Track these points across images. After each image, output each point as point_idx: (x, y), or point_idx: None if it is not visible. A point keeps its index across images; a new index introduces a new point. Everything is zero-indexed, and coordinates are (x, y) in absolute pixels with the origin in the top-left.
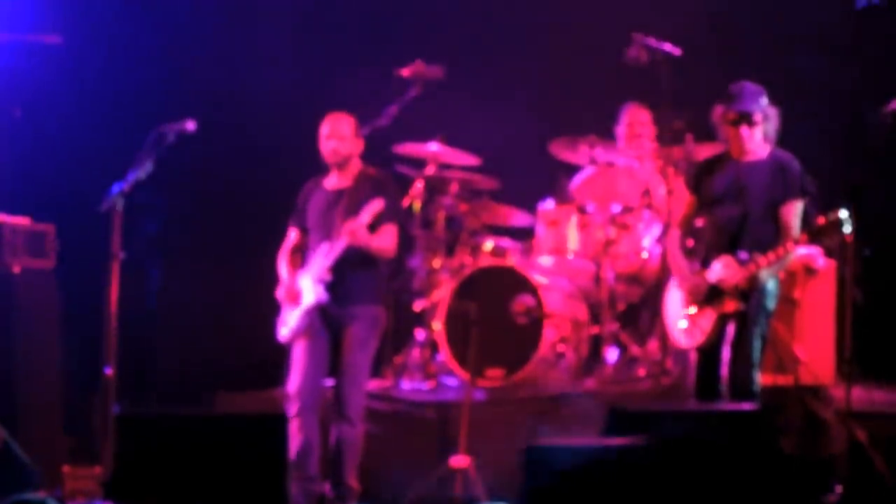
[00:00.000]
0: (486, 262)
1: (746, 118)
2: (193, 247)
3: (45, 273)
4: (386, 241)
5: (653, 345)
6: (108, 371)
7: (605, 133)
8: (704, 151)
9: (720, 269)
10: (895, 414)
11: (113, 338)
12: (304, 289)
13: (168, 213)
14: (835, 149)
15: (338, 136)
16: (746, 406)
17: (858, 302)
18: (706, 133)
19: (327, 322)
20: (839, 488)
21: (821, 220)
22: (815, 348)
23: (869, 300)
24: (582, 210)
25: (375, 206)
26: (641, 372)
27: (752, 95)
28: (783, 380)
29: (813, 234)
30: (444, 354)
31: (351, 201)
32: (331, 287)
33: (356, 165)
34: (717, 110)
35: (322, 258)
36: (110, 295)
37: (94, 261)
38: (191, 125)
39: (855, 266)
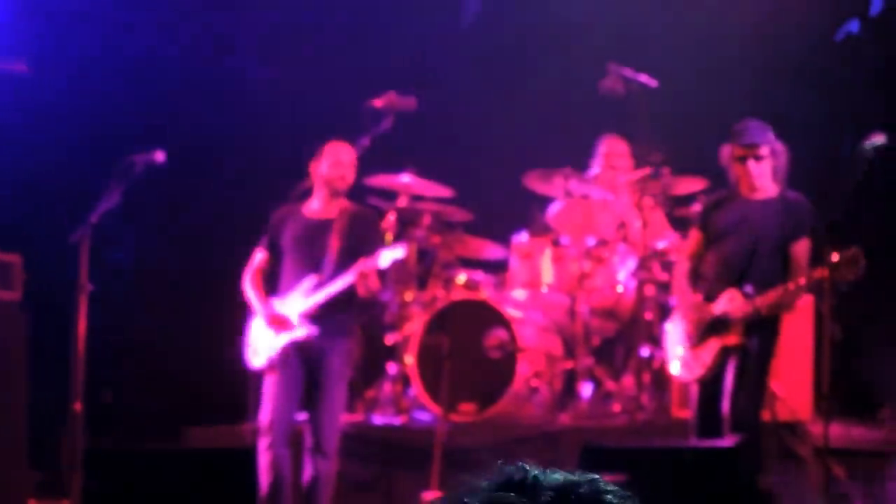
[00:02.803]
0: (458, 295)
1: (752, 151)
2: (162, 278)
3: (12, 305)
4: (375, 283)
5: (628, 380)
6: (77, 405)
7: (580, 165)
8: (682, 184)
9: (726, 303)
10: (873, 451)
11: (80, 371)
12: (289, 319)
13: (136, 244)
14: (814, 181)
15: (349, 165)
16: (723, 442)
17: (836, 337)
18: (683, 165)
19: (302, 354)
20: None
21: (835, 257)
22: (792, 384)
23: (847, 335)
24: (556, 243)
25: (396, 254)
26: (616, 407)
27: (757, 130)
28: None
29: (831, 268)
30: (417, 389)
31: (343, 236)
32: (312, 319)
33: (343, 198)
34: (725, 150)
35: (311, 292)
36: (78, 327)
37: (62, 292)
38: (159, 156)
39: (832, 301)
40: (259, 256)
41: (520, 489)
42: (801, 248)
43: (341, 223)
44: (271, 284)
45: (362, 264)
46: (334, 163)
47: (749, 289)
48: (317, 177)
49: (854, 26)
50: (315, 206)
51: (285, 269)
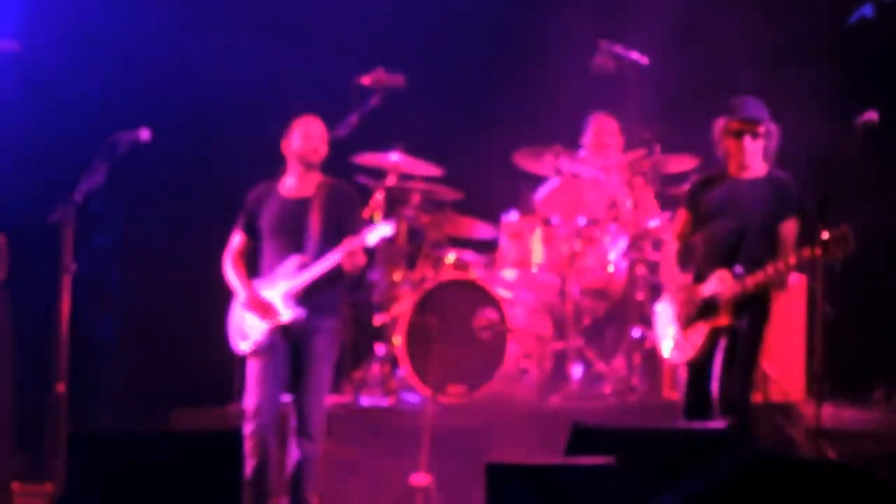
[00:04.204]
0: (448, 275)
1: (752, 127)
2: (148, 259)
3: None
4: (362, 259)
5: (618, 361)
6: (60, 387)
7: (571, 143)
8: (674, 163)
9: (715, 283)
10: (866, 432)
11: (64, 352)
12: (274, 303)
13: (122, 224)
14: (814, 161)
15: (320, 138)
16: (714, 424)
17: (829, 317)
18: (674, 144)
19: (287, 336)
20: None
21: (824, 235)
22: (785, 365)
23: (840, 315)
24: (547, 222)
25: (384, 231)
26: (607, 389)
27: (757, 106)
28: (752, 397)
29: (821, 247)
30: (405, 370)
31: (323, 213)
32: (297, 300)
33: (318, 174)
34: (719, 123)
35: (296, 273)
36: (62, 308)
37: (48, 273)
38: (145, 134)
39: (825, 281)
40: (237, 239)
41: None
42: (789, 228)
43: (320, 200)
44: (251, 267)
45: (349, 242)
46: (305, 136)
47: (738, 269)
48: (289, 154)
49: (868, 10)
50: (291, 185)
51: (266, 252)
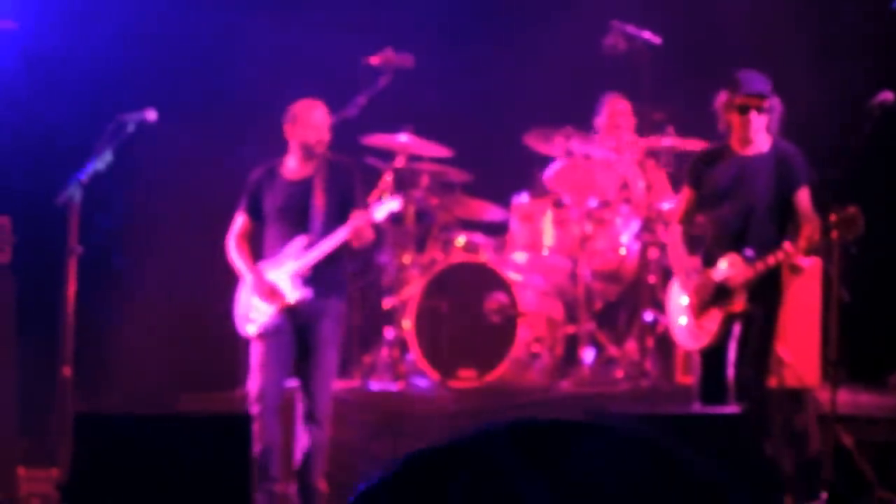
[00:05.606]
0: (457, 257)
1: (758, 102)
2: (154, 241)
3: (1, 268)
4: (370, 234)
5: (631, 345)
6: (66, 370)
7: (582, 124)
8: (686, 145)
9: (726, 268)
10: (882, 418)
11: (70, 335)
12: (281, 285)
13: (128, 206)
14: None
15: (325, 127)
16: (728, 409)
17: (845, 301)
18: (687, 125)
19: (294, 318)
20: (825, 495)
21: (833, 217)
22: (799, 349)
23: (856, 299)
24: (558, 204)
25: (392, 206)
26: (619, 373)
27: (762, 81)
28: (767, 382)
29: (836, 225)
30: (415, 354)
31: (326, 192)
32: (305, 280)
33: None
34: (722, 97)
35: (303, 252)
36: (67, 291)
37: (53, 255)
38: (151, 114)
39: (841, 264)
40: (240, 221)
41: None
42: (804, 197)
43: (322, 179)
44: (255, 248)
45: (357, 217)
46: (310, 127)
47: (749, 252)
48: (292, 139)
49: None
50: (292, 166)
51: (271, 234)
